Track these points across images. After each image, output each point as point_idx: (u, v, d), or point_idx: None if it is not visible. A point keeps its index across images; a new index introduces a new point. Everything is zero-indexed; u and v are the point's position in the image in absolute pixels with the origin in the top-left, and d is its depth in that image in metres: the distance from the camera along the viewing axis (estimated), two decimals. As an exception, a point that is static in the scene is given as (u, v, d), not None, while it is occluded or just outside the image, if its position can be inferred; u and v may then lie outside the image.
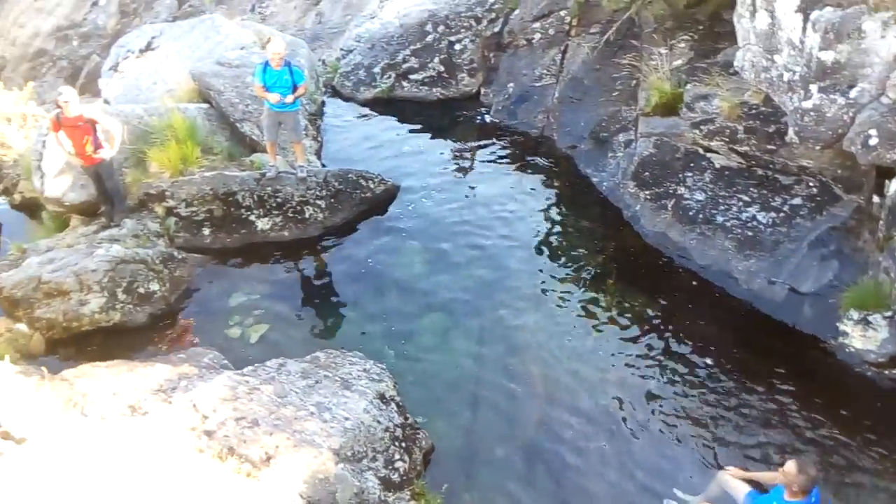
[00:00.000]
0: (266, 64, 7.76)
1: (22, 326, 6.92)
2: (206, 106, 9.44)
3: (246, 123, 9.32)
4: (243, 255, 8.13)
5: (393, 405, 5.85)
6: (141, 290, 7.18)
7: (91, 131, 7.33)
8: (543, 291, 7.51)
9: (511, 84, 10.95)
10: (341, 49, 12.17)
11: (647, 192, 8.25)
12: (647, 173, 8.36)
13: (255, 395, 5.51)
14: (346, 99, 11.58)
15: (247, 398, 5.47)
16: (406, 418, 5.86)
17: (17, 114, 11.35)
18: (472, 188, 9.29)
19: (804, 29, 6.48)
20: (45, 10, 18.62)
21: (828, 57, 6.29)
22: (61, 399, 5.59)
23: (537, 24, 11.03)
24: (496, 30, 11.51)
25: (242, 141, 9.33)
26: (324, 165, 9.57)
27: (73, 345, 6.89)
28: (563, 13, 10.86)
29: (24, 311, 6.90)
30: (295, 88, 7.82)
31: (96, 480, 4.45)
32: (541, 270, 7.82)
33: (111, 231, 7.69)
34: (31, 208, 9.85)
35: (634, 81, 9.42)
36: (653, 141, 8.52)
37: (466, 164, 9.85)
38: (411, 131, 10.65)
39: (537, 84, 10.69)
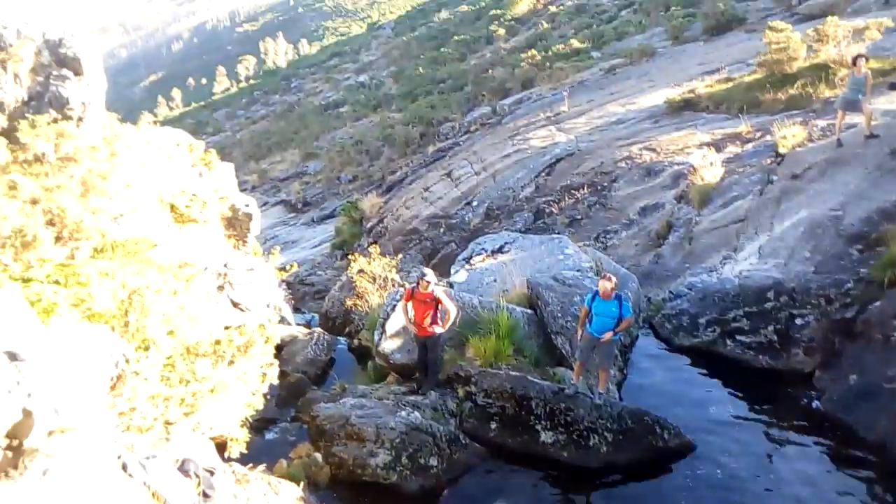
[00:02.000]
0: (596, 293, 8.19)
1: (318, 457, 7.78)
2: (530, 312, 10.18)
3: (560, 337, 9.76)
4: (519, 461, 8.15)
5: None
6: (422, 460, 7.60)
7: (434, 308, 8.42)
8: None
9: (854, 376, 9.65)
10: (670, 292, 12.23)
11: None
12: None
13: None
14: (663, 340, 11.41)
15: None
16: None
17: (381, 276, 13.58)
18: (779, 479, 8.12)
19: None
20: (429, 200, 22.61)
21: None
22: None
23: (902, 322, 9.76)
24: (848, 315, 10.47)
25: (552, 352, 9.73)
26: (621, 399, 9.39)
27: (351, 489, 7.48)
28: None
29: (325, 443, 7.80)
30: (619, 321, 8.03)
31: None
32: None
33: (417, 398, 8.47)
34: (362, 355, 11.43)
35: None
36: None
37: (779, 448, 8.73)
38: (724, 392, 9.94)
39: (888, 385, 9.26)
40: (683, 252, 13.42)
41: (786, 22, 21.48)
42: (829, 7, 25.00)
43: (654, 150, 18.00)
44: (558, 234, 14.84)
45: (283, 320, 13.81)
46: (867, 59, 13.41)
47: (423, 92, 46.93)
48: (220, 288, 10.50)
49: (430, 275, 8.50)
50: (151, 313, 6.04)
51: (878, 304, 10.26)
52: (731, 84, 20.34)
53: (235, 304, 10.95)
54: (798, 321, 10.59)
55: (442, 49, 56.92)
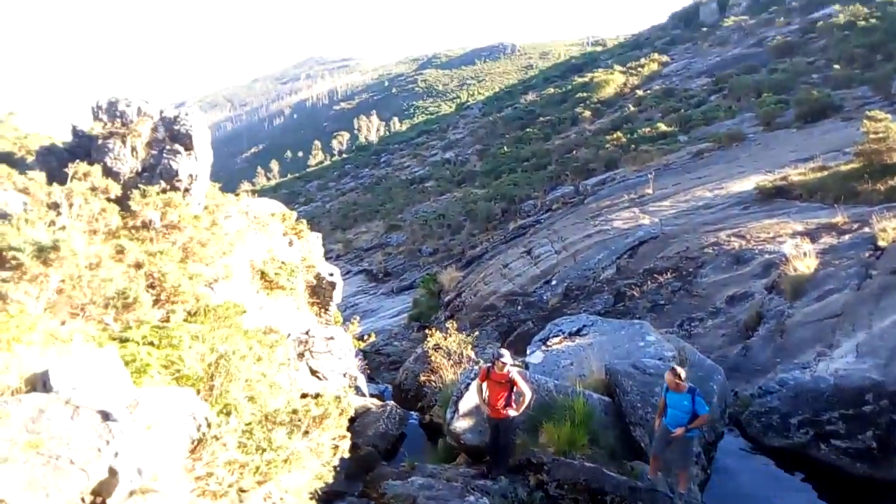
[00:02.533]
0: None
1: (382, 533, 7.65)
2: (608, 400, 9.84)
3: (639, 429, 9.35)
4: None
5: None
6: (488, 550, 7.35)
7: (508, 390, 8.30)
8: None
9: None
10: (760, 387, 11.57)
11: None
12: None
13: None
14: (750, 439, 10.73)
15: None
16: None
17: (457, 352, 13.55)
18: None
19: None
20: (508, 277, 22.60)
21: None
22: None
23: None
24: (962, 426, 9.57)
25: (630, 444, 9.31)
26: (704, 502, 8.81)
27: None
28: None
29: (392, 521, 7.67)
30: (694, 417, 7.66)
31: None
32: None
33: (486, 482, 8.24)
34: (433, 431, 11.29)
35: None
36: None
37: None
38: (817, 501, 9.16)
39: None
40: (774, 346, 12.73)
41: (884, 111, 20.74)
42: (934, 96, 24.03)
43: (743, 237, 17.44)
44: (639, 318, 14.45)
45: (357, 390, 13.92)
46: None
47: (506, 170, 47.73)
48: (301, 356, 10.76)
49: (506, 356, 8.42)
50: (235, 379, 6.26)
51: None
52: (826, 173, 19.63)
53: (314, 373, 11.15)
54: (904, 429, 9.75)
55: (527, 129, 58.05)
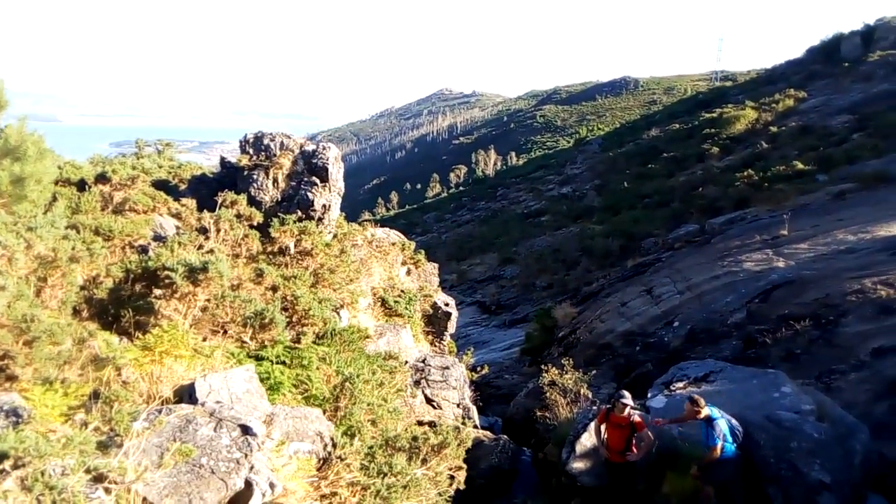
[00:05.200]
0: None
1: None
2: (738, 452, 9.21)
3: (772, 486, 8.66)
4: None
5: None
6: None
7: (629, 433, 7.99)
8: None
9: None
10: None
11: None
12: None
13: None
14: (901, 509, 9.65)
15: None
16: None
17: (573, 390, 13.25)
18: None
19: None
20: (626, 315, 21.90)
21: None
22: None
23: None
24: None
25: (759, 500, 8.65)
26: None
27: None
28: None
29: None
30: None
31: None
32: None
33: (603, 528, 7.93)
34: (546, 470, 11.03)
35: None
36: None
37: None
38: None
39: None
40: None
41: None
42: None
43: (891, 285, 15.93)
44: (772, 367, 13.48)
45: (470, 421, 13.92)
46: None
47: (626, 206, 46.56)
48: (417, 383, 10.93)
49: (627, 397, 8.15)
50: (359, 401, 6.45)
51: None
52: None
53: (429, 401, 11.29)
54: None
55: (649, 165, 56.49)
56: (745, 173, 37.63)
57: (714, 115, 61.60)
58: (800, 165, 35.45)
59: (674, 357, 16.19)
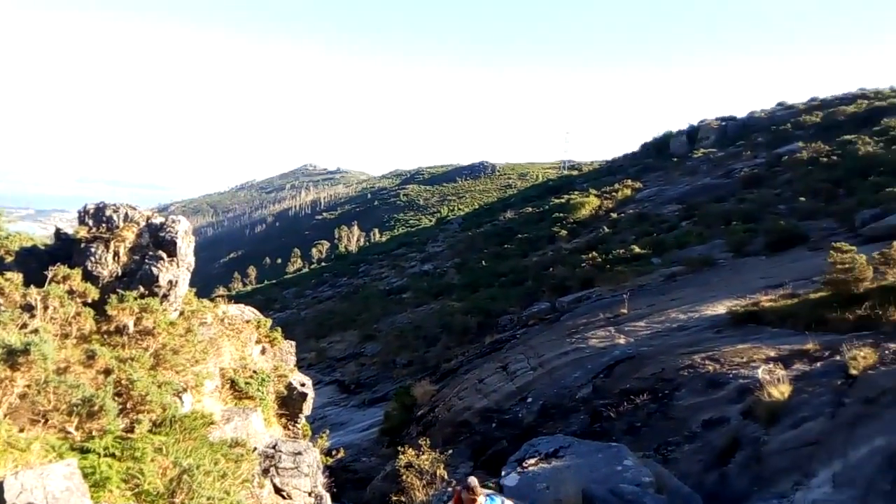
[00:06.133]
0: None
1: None
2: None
3: (617, 561, 8.97)
4: None
5: None
6: None
7: (477, 518, 7.97)
8: None
9: None
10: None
11: None
12: None
13: None
14: (731, 575, 10.33)
15: None
16: None
17: (429, 471, 13.13)
18: None
19: None
20: (483, 392, 22.27)
21: None
22: None
23: None
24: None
25: (607, 577, 8.90)
26: None
27: None
28: None
29: None
30: None
31: None
32: None
33: None
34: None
35: None
36: None
37: None
38: None
39: None
40: (751, 473, 12.50)
41: (849, 243, 21.64)
42: (893, 230, 25.21)
43: (717, 360, 17.55)
44: (616, 440, 14.19)
45: (322, 510, 13.27)
46: None
47: (484, 283, 48.17)
48: (266, 472, 10.33)
49: (473, 484, 8.18)
50: (197, 496, 5.98)
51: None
52: (796, 300, 20.13)
53: (278, 490, 10.67)
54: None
55: (505, 245, 59.25)
56: (590, 255, 40.50)
57: (563, 200, 66.30)
58: (637, 249, 38.78)
59: (528, 433, 16.59)
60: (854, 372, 14.06)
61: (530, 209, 73.13)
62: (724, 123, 74.97)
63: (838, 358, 15.10)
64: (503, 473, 11.49)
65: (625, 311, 25.26)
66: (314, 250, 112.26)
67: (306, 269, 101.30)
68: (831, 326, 17.52)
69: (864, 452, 11.35)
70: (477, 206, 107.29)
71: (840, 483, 10.90)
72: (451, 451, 15.18)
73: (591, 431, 16.43)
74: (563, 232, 54.48)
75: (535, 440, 12.89)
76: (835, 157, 43.80)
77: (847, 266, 18.36)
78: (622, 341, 21.69)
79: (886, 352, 14.79)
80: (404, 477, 12.79)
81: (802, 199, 38.64)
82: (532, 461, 11.54)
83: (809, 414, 13.27)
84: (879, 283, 18.09)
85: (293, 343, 17.87)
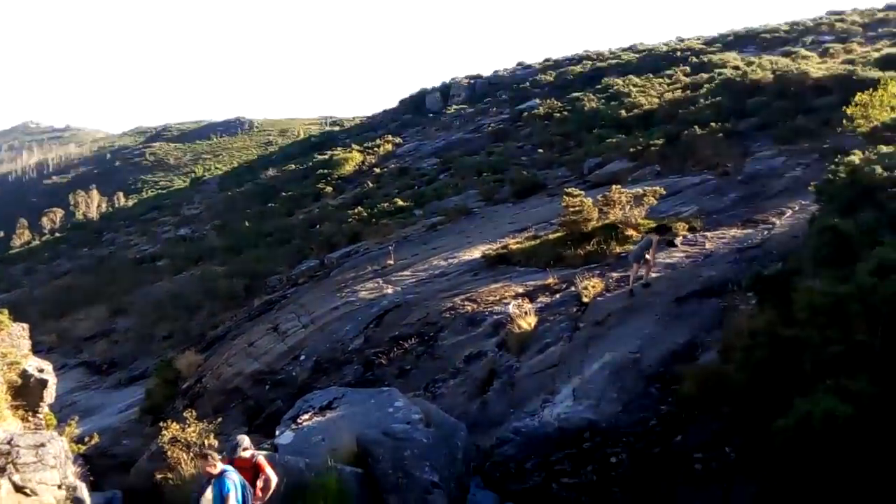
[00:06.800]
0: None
1: None
2: (360, 471, 9.79)
3: (392, 496, 9.43)
4: None
5: None
6: None
7: (250, 477, 7.82)
8: None
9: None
10: (497, 438, 12.48)
11: None
12: None
13: None
14: (494, 488, 11.44)
15: None
16: None
17: (198, 443, 12.48)
18: None
19: None
20: (253, 356, 21.65)
21: None
22: None
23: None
24: (656, 451, 11.32)
25: (385, 513, 9.33)
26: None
27: None
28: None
29: None
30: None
31: None
32: None
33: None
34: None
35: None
36: None
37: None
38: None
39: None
40: (507, 398, 13.90)
41: (579, 188, 24.60)
42: (614, 176, 29.19)
43: (474, 300, 19.01)
44: (388, 385, 14.77)
45: (77, 502, 11.99)
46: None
47: (249, 245, 46.23)
48: (2, 470, 9.02)
49: (245, 441, 7.99)
50: None
51: (678, 438, 11.24)
52: (538, 241, 22.48)
53: (20, 489, 9.38)
54: (612, 459, 11.21)
55: (269, 204, 57.23)
56: (356, 210, 40.89)
57: (326, 157, 65.64)
58: (400, 202, 40.01)
59: (302, 390, 16.54)
60: (586, 300, 16.19)
61: (293, 166, 71.30)
62: (472, 81, 79.54)
63: (573, 289, 17.26)
64: (277, 433, 11.35)
65: (391, 262, 26.09)
66: (45, 219, 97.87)
67: (37, 242, 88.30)
68: (567, 262, 19.93)
69: (596, 367, 13.19)
70: (236, 165, 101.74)
71: (579, 396, 12.56)
72: (220, 420, 14.57)
73: (364, 380, 16.89)
74: (329, 188, 54.14)
75: (308, 395, 12.90)
76: (566, 113, 48.97)
77: (577, 209, 20.91)
78: (390, 291, 22.43)
79: (610, 280, 17.25)
80: (170, 453, 12.02)
81: (541, 150, 42.75)
82: (307, 416, 11.54)
83: (552, 340, 15.03)
84: (603, 222, 20.91)
85: (26, 326, 15.71)
